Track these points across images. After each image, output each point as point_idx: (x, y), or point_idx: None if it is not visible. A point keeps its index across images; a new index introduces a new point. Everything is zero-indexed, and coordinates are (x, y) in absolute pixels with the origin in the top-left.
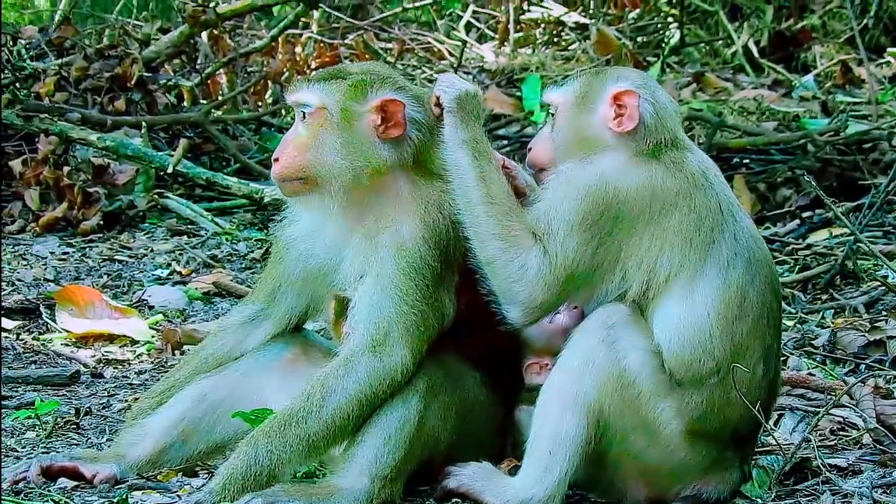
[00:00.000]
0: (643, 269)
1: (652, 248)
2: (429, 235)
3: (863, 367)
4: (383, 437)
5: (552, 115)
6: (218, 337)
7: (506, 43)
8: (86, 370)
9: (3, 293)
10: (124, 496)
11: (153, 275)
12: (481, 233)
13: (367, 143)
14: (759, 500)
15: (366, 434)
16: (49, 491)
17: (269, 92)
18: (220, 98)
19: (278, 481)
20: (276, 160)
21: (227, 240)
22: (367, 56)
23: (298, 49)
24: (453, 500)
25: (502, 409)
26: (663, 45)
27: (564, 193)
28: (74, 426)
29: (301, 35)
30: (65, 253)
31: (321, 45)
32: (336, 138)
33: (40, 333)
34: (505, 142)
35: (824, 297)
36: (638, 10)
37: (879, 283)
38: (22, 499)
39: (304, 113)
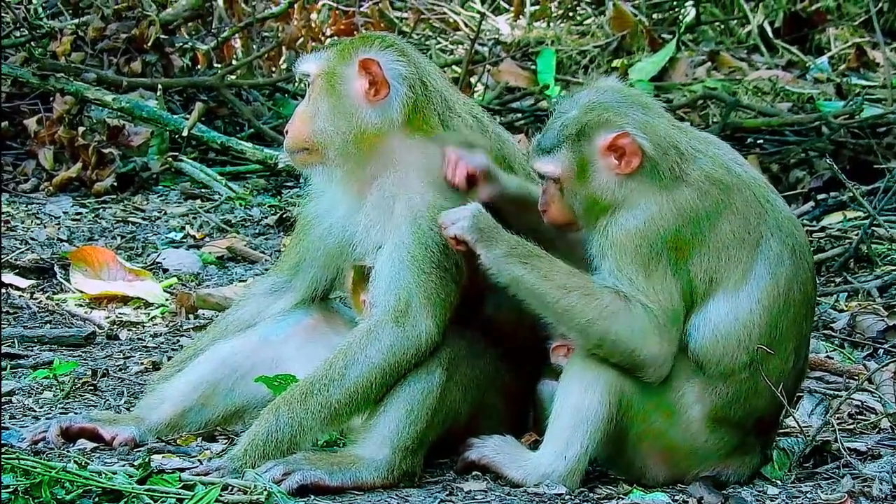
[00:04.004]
0: (705, 280)
1: (712, 259)
2: (436, 200)
3: (881, 351)
4: (406, 407)
5: (552, 181)
6: (239, 306)
7: (521, 16)
8: (100, 331)
9: (17, 252)
10: (146, 459)
11: (167, 238)
12: (577, 324)
13: (353, 107)
14: (778, 482)
15: (388, 404)
16: (68, 452)
17: (283, 58)
18: (234, 63)
19: (300, 449)
20: (286, 132)
21: (240, 205)
22: (382, 25)
23: (314, 16)
24: (474, 472)
25: (525, 384)
26: (679, 22)
27: (621, 247)
28: (91, 387)
29: (317, 2)
30: (78, 213)
31: (337, 12)
32: (327, 104)
33: (54, 293)
34: (519, 115)
35: (838, 279)
36: None
37: (894, 268)
38: (41, 459)
39: (308, 83)
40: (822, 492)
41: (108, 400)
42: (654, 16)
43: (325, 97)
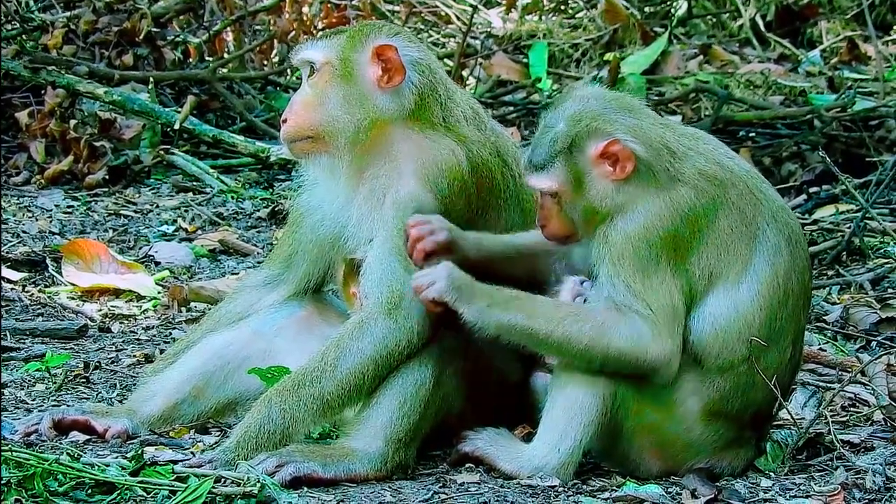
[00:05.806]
0: (705, 276)
1: (711, 255)
2: (428, 193)
3: (874, 343)
4: (399, 399)
5: (549, 196)
6: (232, 299)
7: (513, 9)
8: (93, 324)
9: (9, 245)
10: (139, 452)
11: (159, 231)
12: (577, 350)
13: (367, 94)
14: (772, 474)
15: (381, 396)
16: (61, 444)
17: (275, 51)
18: (226, 56)
19: (293, 441)
20: (285, 121)
21: (232, 198)
22: (374, 18)
23: (305, 9)
24: (467, 464)
25: (518, 376)
26: (671, 15)
27: (621, 252)
28: (84, 380)
29: None
30: (69, 206)
31: (328, 5)
32: (339, 91)
33: (46, 286)
34: (511, 108)
35: (830, 272)
36: None
37: (886, 260)
38: (34, 451)
39: (311, 70)
40: (815, 484)
41: (100, 392)
42: (646, 9)
43: (338, 84)
